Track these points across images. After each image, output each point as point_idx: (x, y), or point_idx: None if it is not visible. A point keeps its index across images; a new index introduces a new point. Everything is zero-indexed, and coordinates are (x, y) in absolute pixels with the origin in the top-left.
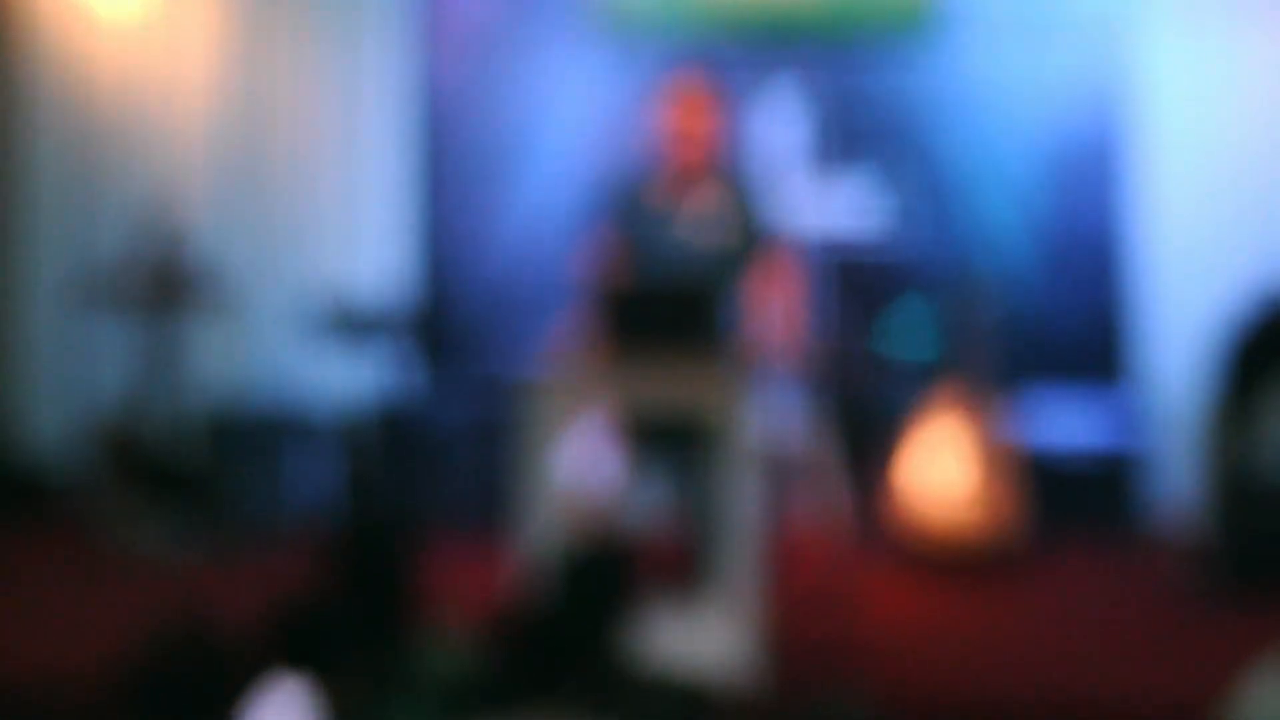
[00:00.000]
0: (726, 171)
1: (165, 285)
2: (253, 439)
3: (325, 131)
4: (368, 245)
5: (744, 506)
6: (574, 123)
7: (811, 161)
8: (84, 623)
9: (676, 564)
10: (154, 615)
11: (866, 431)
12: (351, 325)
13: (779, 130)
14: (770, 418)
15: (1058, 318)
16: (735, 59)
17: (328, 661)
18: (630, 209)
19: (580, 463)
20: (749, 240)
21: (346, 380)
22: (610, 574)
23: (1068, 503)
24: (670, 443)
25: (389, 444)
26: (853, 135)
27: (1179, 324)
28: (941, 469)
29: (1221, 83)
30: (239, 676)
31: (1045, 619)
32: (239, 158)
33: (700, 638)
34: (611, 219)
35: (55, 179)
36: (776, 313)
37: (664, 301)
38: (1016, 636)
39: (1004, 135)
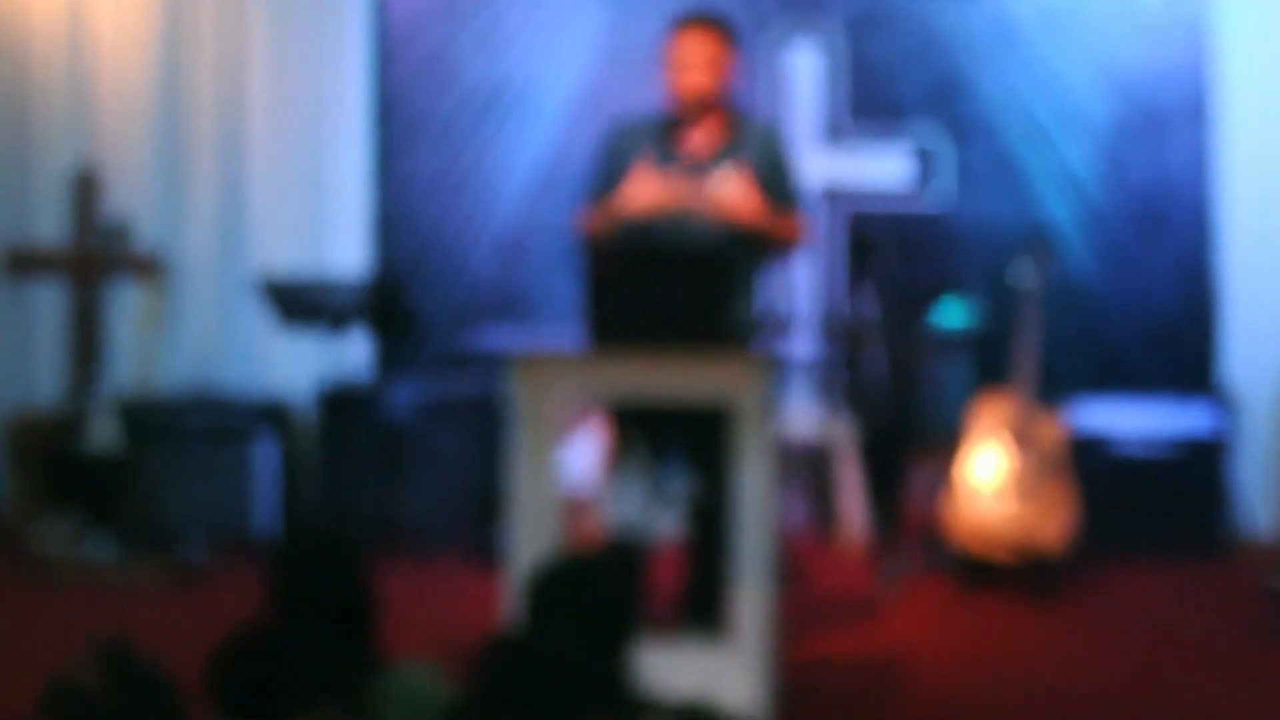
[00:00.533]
0: (748, 121)
1: (98, 261)
2: (192, 430)
3: (275, 98)
4: (320, 217)
5: (760, 508)
6: (550, 86)
7: (844, 117)
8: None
9: (682, 574)
10: (79, 638)
11: (894, 419)
12: (301, 303)
13: (805, 79)
14: (787, 403)
15: (1123, 298)
16: (764, 1)
17: (276, 705)
18: (655, 149)
19: (578, 459)
20: (773, 197)
21: (297, 364)
22: (608, 588)
23: (1132, 505)
24: (678, 433)
25: (338, 433)
26: (887, 85)
27: (1267, 303)
28: (988, 467)
29: None
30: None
31: (1104, 634)
32: (179, 127)
33: (710, 659)
34: (622, 161)
35: None
36: (799, 281)
37: (669, 265)
38: (1069, 655)
39: (1067, 81)
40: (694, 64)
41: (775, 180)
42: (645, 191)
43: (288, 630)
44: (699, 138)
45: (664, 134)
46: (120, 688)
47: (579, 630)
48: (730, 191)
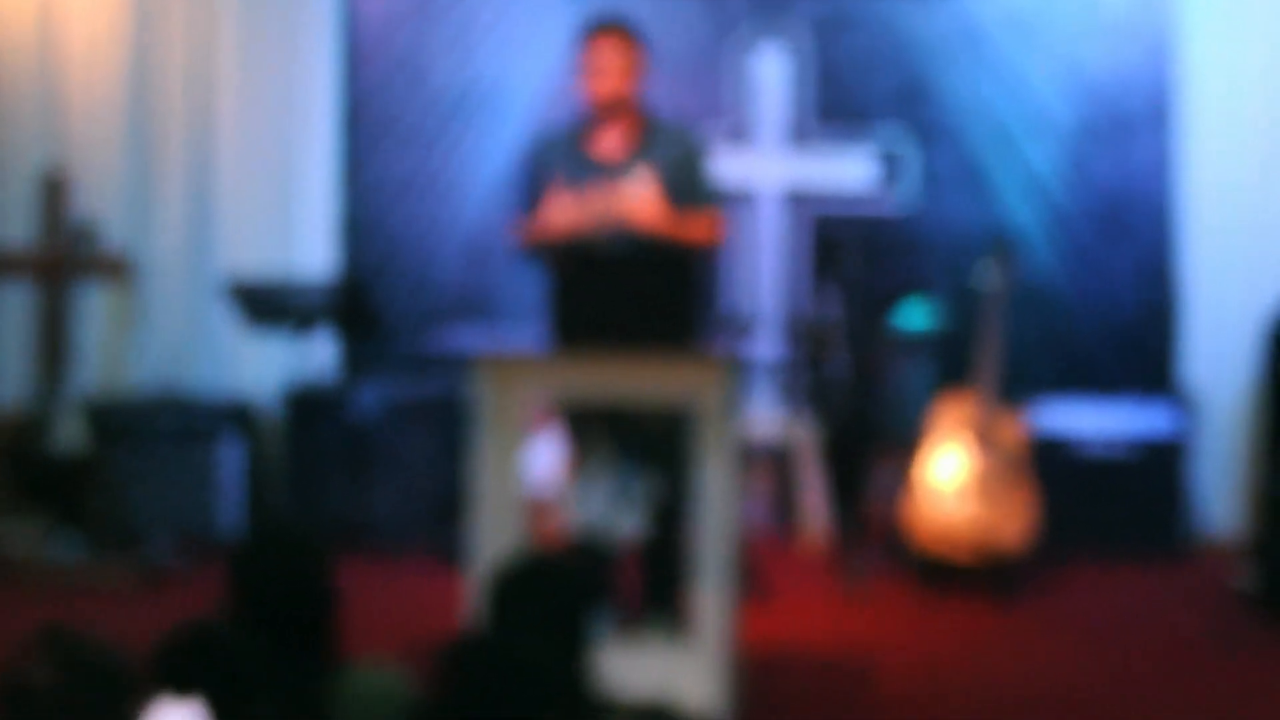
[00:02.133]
0: (660, 124)
1: (65, 262)
2: (159, 430)
3: (244, 100)
4: (288, 219)
5: (721, 509)
6: (518, 88)
7: (810, 120)
8: None
9: (643, 571)
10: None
11: (857, 420)
12: (268, 305)
13: (771, 82)
14: (750, 404)
15: (1086, 300)
16: (731, 5)
17: (230, 694)
18: (567, 160)
19: (541, 461)
20: (689, 196)
21: (263, 365)
22: (567, 589)
23: (1093, 506)
24: (640, 435)
25: (304, 433)
26: (853, 89)
27: (1228, 305)
28: (949, 468)
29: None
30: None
31: (1065, 635)
32: (148, 129)
33: (671, 659)
34: (543, 175)
35: None
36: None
37: (628, 266)
38: (1031, 655)
39: (1032, 84)
40: (605, 69)
41: (689, 181)
42: (561, 213)
43: (241, 623)
44: (611, 142)
45: (577, 141)
46: (71, 678)
47: (541, 631)
48: (634, 200)
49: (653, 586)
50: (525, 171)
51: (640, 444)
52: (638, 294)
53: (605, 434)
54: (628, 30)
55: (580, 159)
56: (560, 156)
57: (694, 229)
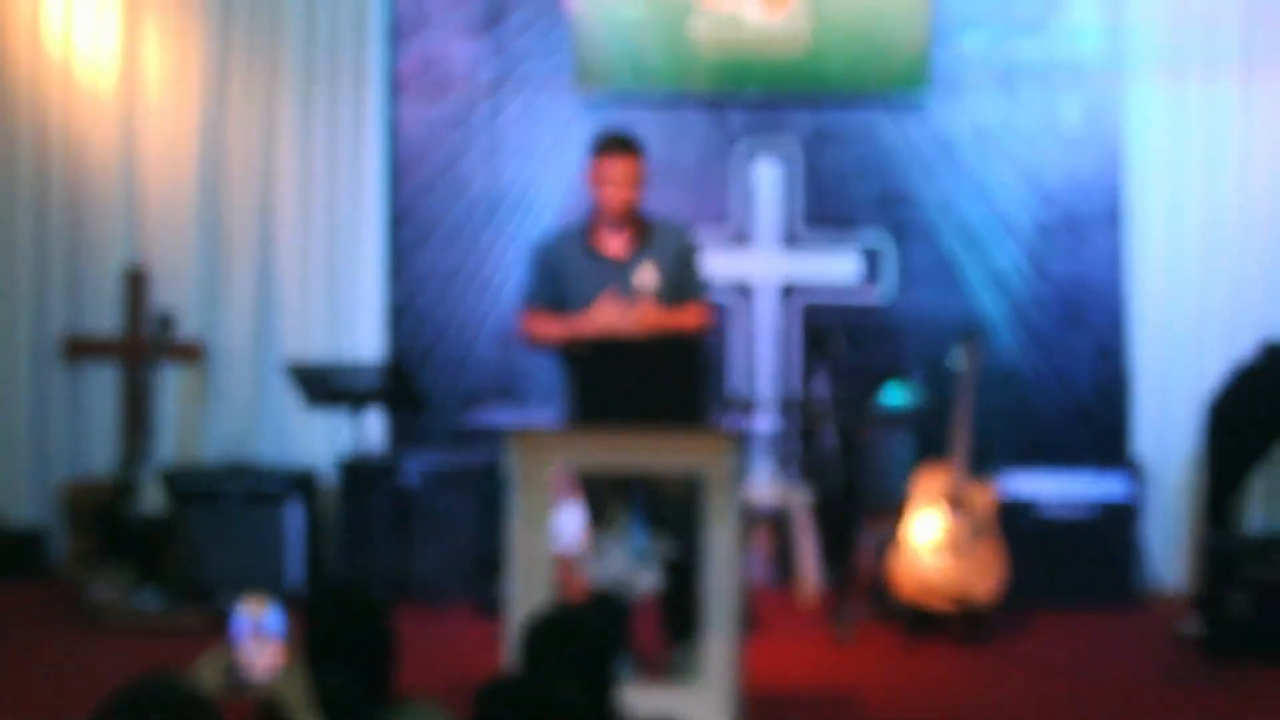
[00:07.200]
0: (658, 224)
1: (147, 347)
2: (230, 495)
3: (302, 205)
4: (342, 309)
5: (728, 564)
6: (546, 191)
7: (801, 222)
8: (61, 687)
9: (657, 624)
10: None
11: (845, 487)
12: (325, 385)
13: (767, 190)
14: (751, 473)
15: (1047, 381)
16: (732, 122)
17: None
18: (577, 256)
19: (568, 522)
20: (685, 283)
21: (322, 438)
22: (595, 635)
23: (1055, 562)
24: (652, 498)
25: (358, 498)
26: (838, 195)
27: (1173, 385)
28: (928, 529)
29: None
30: None
31: (1031, 675)
32: (218, 230)
33: (683, 698)
34: (554, 268)
35: (36, 239)
36: (761, 365)
37: (648, 353)
38: (1001, 692)
39: (997, 189)
40: (617, 181)
41: (686, 276)
42: (606, 315)
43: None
44: (616, 241)
45: (586, 240)
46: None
47: (570, 675)
48: (635, 314)
49: (670, 634)
50: (537, 264)
51: (655, 508)
52: (653, 376)
53: (622, 500)
54: (635, 147)
55: (590, 255)
56: (570, 252)
57: (686, 321)
